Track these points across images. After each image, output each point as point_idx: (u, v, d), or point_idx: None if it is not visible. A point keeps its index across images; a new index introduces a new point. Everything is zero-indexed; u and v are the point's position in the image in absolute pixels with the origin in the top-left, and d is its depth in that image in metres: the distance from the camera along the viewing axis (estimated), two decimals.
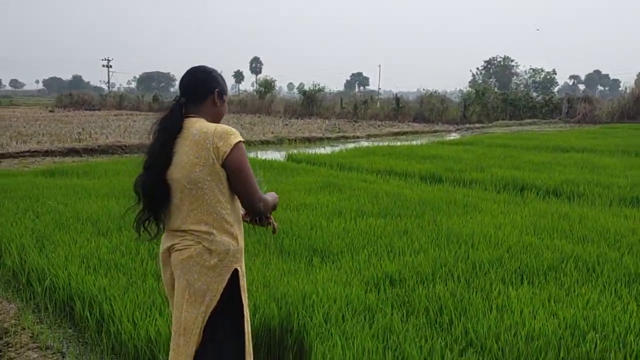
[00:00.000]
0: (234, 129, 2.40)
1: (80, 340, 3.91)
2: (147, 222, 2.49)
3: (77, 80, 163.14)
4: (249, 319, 2.55)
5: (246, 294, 2.54)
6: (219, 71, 2.60)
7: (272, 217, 2.82)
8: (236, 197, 2.47)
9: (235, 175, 2.36)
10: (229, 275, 2.43)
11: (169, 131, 2.38)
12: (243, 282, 2.50)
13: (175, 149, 2.38)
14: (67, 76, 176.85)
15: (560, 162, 11.87)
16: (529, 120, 35.72)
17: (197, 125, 2.38)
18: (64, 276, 4.44)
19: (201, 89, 2.46)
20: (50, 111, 44.97)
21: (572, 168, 11.02)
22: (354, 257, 5.04)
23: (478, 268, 4.65)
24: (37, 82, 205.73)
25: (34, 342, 3.79)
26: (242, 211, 2.61)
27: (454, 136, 24.72)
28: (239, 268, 2.46)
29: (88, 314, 3.93)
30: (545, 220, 6.45)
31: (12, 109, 51.09)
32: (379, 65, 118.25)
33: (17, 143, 17.09)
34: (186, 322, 2.42)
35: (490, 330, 3.47)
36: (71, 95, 59.52)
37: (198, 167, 2.32)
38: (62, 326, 4.12)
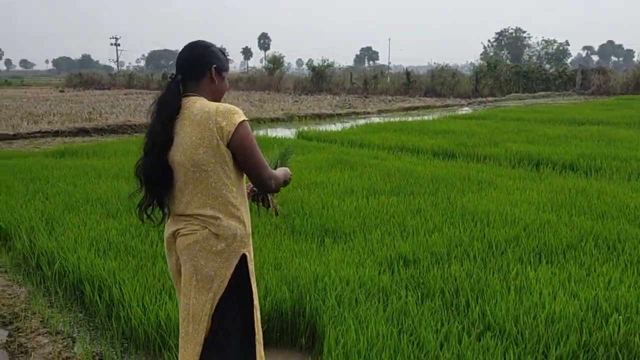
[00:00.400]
0: (236, 107, 2.27)
1: (91, 324, 3.86)
2: (151, 207, 2.39)
3: (86, 59, 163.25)
4: (258, 306, 2.46)
5: (255, 280, 2.45)
6: (219, 46, 2.47)
7: (275, 199, 2.74)
8: (242, 179, 2.37)
9: (242, 154, 2.25)
10: (237, 260, 2.33)
11: (167, 111, 2.26)
12: (251, 267, 2.41)
13: (175, 129, 2.26)
14: (76, 55, 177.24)
15: (575, 136, 11.63)
16: (543, 93, 35.16)
17: (197, 105, 2.26)
18: (73, 259, 4.39)
19: (198, 65, 2.33)
20: (60, 91, 44.95)
21: (588, 141, 10.79)
22: (366, 237, 4.94)
23: (494, 247, 4.53)
24: (46, 62, 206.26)
25: (44, 327, 3.75)
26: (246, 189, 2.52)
27: (466, 110, 24.40)
28: (247, 253, 2.36)
29: (97, 298, 3.87)
30: (562, 196, 6.30)
31: (24, 89, 51.23)
32: (389, 39, 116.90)
33: (28, 124, 17.05)
34: (194, 309, 2.34)
35: (508, 313, 3.37)
36: (81, 75, 59.35)
37: (201, 148, 2.21)
38: (72, 310, 4.08)
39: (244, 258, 2.36)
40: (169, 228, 2.41)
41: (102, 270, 4.10)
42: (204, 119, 2.21)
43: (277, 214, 2.78)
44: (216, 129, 2.19)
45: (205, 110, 2.22)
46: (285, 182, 2.54)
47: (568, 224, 5.18)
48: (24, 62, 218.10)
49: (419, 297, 3.69)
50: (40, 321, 3.83)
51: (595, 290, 3.67)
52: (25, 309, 4.01)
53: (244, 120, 2.24)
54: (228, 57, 2.50)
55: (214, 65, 2.34)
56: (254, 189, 2.61)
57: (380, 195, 6.40)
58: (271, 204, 2.73)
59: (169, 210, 2.40)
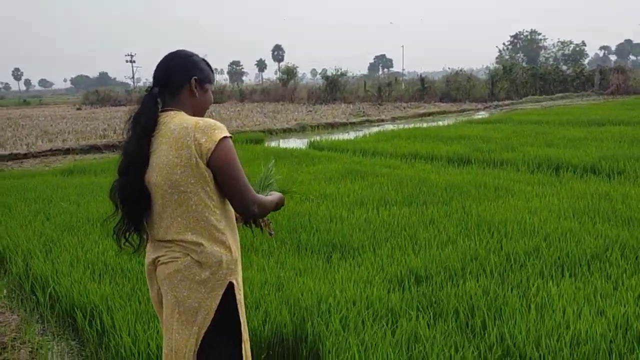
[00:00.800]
0: (218, 123, 2.03)
1: (82, 354, 3.64)
2: (128, 233, 2.15)
3: (103, 77, 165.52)
4: (248, 340, 2.21)
5: (244, 311, 2.19)
6: (202, 56, 2.24)
7: (269, 219, 2.49)
8: (226, 200, 2.12)
9: (222, 175, 2.01)
10: (223, 290, 2.08)
11: (142, 127, 2.03)
12: (240, 297, 2.15)
13: (152, 148, 2.03)
14: (94, 73, 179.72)
15: (596, 137, 11.22)
16: (560, 94, 34.56)
17: (175, 120, 2.03)
18: (66, 284, 4.19)
19: (177, 77, 2.10)
20: (77, 109, 45.43)
21: (610, 143, 10.39)
22: (375, 251, 4.66)
23: (513, 260, 4.22)
24: (65, 80, 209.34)
25: (32, 359, 3.53)
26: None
27: (482, 114, 23.99)
28: (234, 281, 2.10)
29: (88, 326, 3.65)
30: (584, 202, 5.95)
31: (42, 108, 51.94)
32: (402, 46, 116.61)
33: (42, 142, 17.10)
34: (177, 345, 2.09)
35: (529, 335, 3.07)
36: (97, 92, 59.92)
37: (179, 168, 1.97)
38: (64, 338, 3.86)
39: (230, 287, 2.10)
40: (149, 255, 2.17)
41: (95, 296, 3.89)
42: (181, 135, 1.97)
43: (270, 234, 2.53)
44: (194, 146, 1.96)
45: (184, 126, 1.99)
46: (277, 207, 2.31)
47: (592, 232, 4.85)
48: (43, 82, 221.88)
49: (431, 318, 3.40)
50: (30, 351, 3.62)
51: (625, 306, 3.34)
52: (15, 338, 3.80)
53: (225, 137, 2.00)
54: (212, 68, 2.27)
55: (194, 77, 2.11)
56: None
57: (392, 206, 6.12)
58: (263, 226, 2.48)
59: (148, 235, 2.16)
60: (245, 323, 2.19)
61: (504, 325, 3.21)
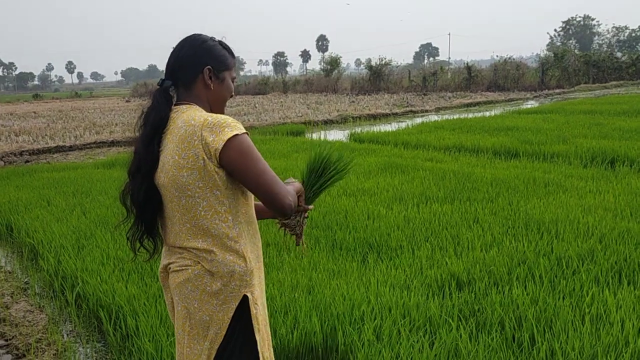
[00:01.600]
0: (230, 119, 1.80)
1: (106, 358, 3.52)
2: (142, 238, 1.98)
3: (152, 69, 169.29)
4: (269, 356, 1.99)
5: (263, 327, 1.97)
6: (220, 38, 1.99)
7: (304, 219, 2.23)
8: (243, 204, 1.90)
9: (240, 174, 1.78)
10: (237, 303, 1.87)
11: (151, 126, 1.85)
12: (256, 312, 1.93)
13: (162, 146, 1.84)
14: (143, 66, 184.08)
15: None
16: (615, 83, 33.06)
17: (184, 116, 1.82)
18: (94, 283, 4.09)
19: (188, 68, 1.88)
20: (126, 101, 46.35)
21: None
22: (414, 252, 4.39)
23: (565, 265, 3.87)
24: (115, 73, 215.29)
25: None
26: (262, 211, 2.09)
27: (532, 104, 23.11)
28: (249, 294, 1.88)
29: (112, 329, 3.53)
30: None
31: (92, 100, 53.36)
32: (449, 34, 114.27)
33: (90, 134, 17.42)
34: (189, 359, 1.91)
35: (583, 352, 2.76)
36: (146, 85, 61.14)
37: (185, 170, 1.77)
38: (91, 340, 3.76)
39: (245, 300, 1.89)
40: (162, 260, 1.99)
41: (121, 297, 3.76)
42: (188, 133, 1.77)
43: (297, 244, 2.27)
44: (202, 145, 1.74)
45: (191, 124, 1.78)
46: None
47: None
48: (94, 75, 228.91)
49: (473, 329, 3.12)
50: (54, 354, 3.52)
51: None
52: (40, 339, 3.72)
53: (236, 135, 1.76)
54: (231, 50, 2.00)
55: (208, 66, 1.88)
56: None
57: (433, 203, 5.81)
58: (301, 233, 2.23)
59: (162, 240, 1.99)
60: (267, 339, 1.97)
61: (555, 339, 2.91)
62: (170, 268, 1.92)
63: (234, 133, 1.76)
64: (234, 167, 1.77)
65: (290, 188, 1.98)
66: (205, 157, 1.75)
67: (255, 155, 1.79)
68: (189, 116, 1.82)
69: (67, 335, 3.83)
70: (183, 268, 1.87)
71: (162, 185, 1.85)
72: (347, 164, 2.42)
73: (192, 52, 1.89)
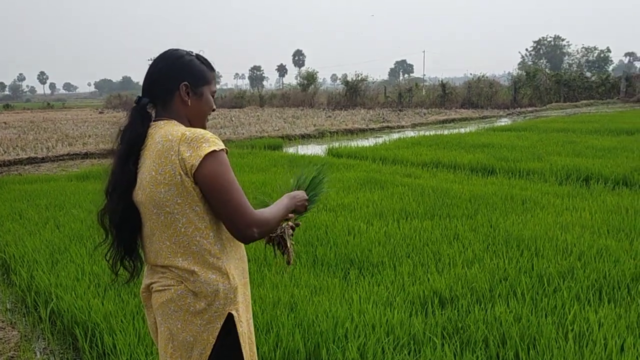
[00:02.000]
0: (209, 134, 1.75)
1: None
2: (123, 259, 1.92)
3: (126, 81, 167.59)
4: None
5: (249, 345, 1.92)
6: (197, 52, 1.94)
7: (291, 242, 2.15)
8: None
9: (210, 194, 1.73)
10: (222, 322, 1.82)
11: (127, 143, 1.81)
12: (242, 329, 1.87)
13: (139, 163, 1.80)
14: (117, 77, 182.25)
15: (626, 147, 10.76)
16: (585, 102, 33.80)
17: (162, 131, 1.78)
18: (69, 299, 3.97)
19: (164, 84, 1.84)
20: (100, 112, 45.71)
21: None
22: (396, 268, 4.38)
23: (546, 282, 3.90)
24: (89, 84, 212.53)
25: None
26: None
27: (505, 121, 23.49)
28: (234, 312, 1.83)
29: (88, 347, 3.42)
30: (619, 217, 5.59)
31: (65, 111, 52.40)
32: (424, 52, 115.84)
33: (62, 145, 17.08)
34: None
35: None
36: (120, 96, 60.38)
37: (162, 186, 1.73)
38: (65, 358, 3.64)
39: (230, 319, 1.84)
40: (144, 280, 1.93)
41: (97, 314, 3.66)
42: (165, 148, 1.73)
43: (288, 262, 2.17)
44: (179, 160, 1.70)
45: (168, 139, 1.74)
46: (287, 212, 1.97)
47: (629, 251, 4.51)
48: (67, 86, 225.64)
49: (458, 347, 3.11)
50: None
51: None
52: (12, 357, 3.59)
53: (214, 151, 1.71)
54: (209, 64, 1.95)
55: (184, 82, 1.84)
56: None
57: (413, 219, 5.82)
58: (288, 250, 2.14)
59: (142, 260, 1.93)
60: (252, 357, 1.92)
61: (539, 357, 2.92)
62: (152, 288, 1.87)
63: (212, 149, 1.72)
64: (205, 186, 1.73)
65: (272, 210, 1.90)
66: (182, 173, 1.71)
67: (227, 176, 1.74)
68: (166, 131, 1.78)
69: (41, 353, 3.71)
70: (166, 288, 1.82)
71: (140, 202, 1.80)
72: (322, 180, 2.30)
73: (167, 69, 1.86)
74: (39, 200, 7.58)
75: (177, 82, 1.83)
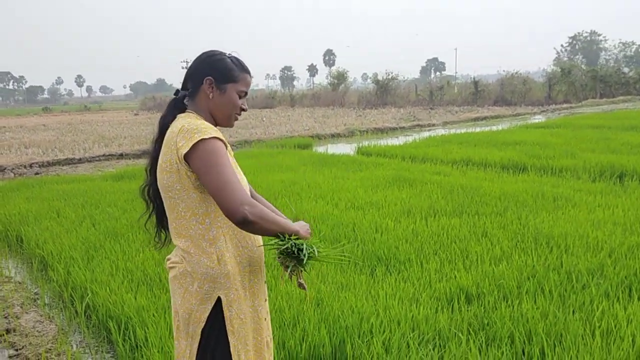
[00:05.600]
0: (205, 125, 1.86)
1: None
2: (158, 229, 2.15)
3: (160, 83, 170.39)
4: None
5: (240, 330, 1.93)
6: (232, 53, 2.03)
7: (302, 272, 1.95)
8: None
9: (201, 175, 1.82)
10: (212, 304, 1.91)
11: (158, 129, 2.02)
12: (230, 314, 1.91)
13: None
14: (152, 80, 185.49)
15: None
16: (622, 98, 33.03)
17: (176, 122, 1.94)
18: (104, 294, 4.11)
19: (192, 79, 2.00)
20: (135, 114, 46.68)
21: None
22: (423, 265, 4.39)
23: (574, 279, 3.86)
24: (124, 87, 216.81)
25: None
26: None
27: (539, 119, 23.10)
28: (222, 296, 1.89)
29: (121, 340, 3.54)
30: None
31: (101, 113, 53.69)
32: (455, 49, 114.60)
33: (98, 147, 17.54)
34: (178, 354, 1.99)
35: None
36: (154, 98, 61.54)
37: (165, 172, 1.90)
38: (100, 351, 3.77)
39: (219, 302, 1.91)
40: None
41: (130, 308, 3.78)
42: (169, 139, 1.91)
43: (300, 286, 1.98)
44: (175, 150, 1.86)
45: (173, 130, 1.90)
46: (283, 230, 1.86)
47: None
48: (103, 88, 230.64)
49: (483, 342, 3.11)
50: None
51: None
52: (50, 349, 3.74)
53: (204, 139, 1.80)
54: (242, 64, 2.03)
55: (208, 77, 1.96)
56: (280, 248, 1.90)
57: (441, 217, 5.81)
58: (289, 270, 1.92)
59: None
60: (246, 344, 1.94)
61: (565, 353, 2.90)
62: (166, 264, 2.03)
63: (202, 137, 1.81)
64: (196, 170, 1.83)
65: (277, 216, 1.87)
66: (178, 161, 1.86)
67: (218, 159, 1.80)
68: (178, 123, 1.93)
69: (77, 345, 3.85)
70: (174, 265, 1.97)
71: (158, 184, 1.99)
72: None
73: (197, 65, 2.01)
74: (75, 199, 7.81)
75: (203, 76, 1.97)
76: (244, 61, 2.05)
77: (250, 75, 2.05)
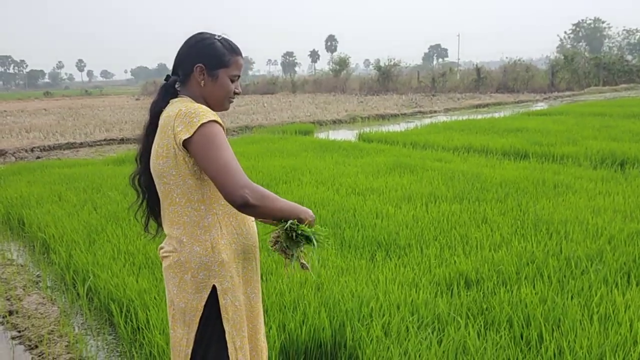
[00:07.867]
0: (203, 109, 1.82)
1: (117, 350, 3.56)
2: (147, 219, 2.14)
3: (162, 67, 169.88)
4: (242, 347, 1.99)
5: (237, 317, 1.95)
6: (221, 35, 1.98)
7: (303, 252, 1.94)
8: (219, 194, 1.87)
9: (200, 159, 1.78)
10: (208, 292, 1.91)
11: (150, 115, 1.99)
12: (225, 302, 1.93)
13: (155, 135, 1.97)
14: (153, 65, 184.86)
15: None
16: (625, 86, 32.89)
17: (170, 107, 1.92)
18: (105, 277, 4.14)
19: (182, 65, 1.97)
20: (136, 99, 46.55)
21: None
22: (423, 251, 4.41)
23: (573, 265, 3.87)
24: (125, 71, 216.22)
25: (68, 353, 3.48)
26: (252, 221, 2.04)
27: (541, 106, 23.03)
28: (217, 285, 1.90)
29: (123, 322, 3.57)
30: None
31: (102, 98, 53.61)
32: (458, 35, 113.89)
33: (100, 131, 17.52)
34: (174, 343, 2.00)
35: (591, 351, 2.77)
36: (155, 83, 61.25)
37: (161, 158, 1.87)
38: (102, 333, 3.81)
39: (214, 290, 1.93)
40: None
41: (132, 291, 3.80)
42: (165, 124, 1.87)
43: (303, 267, 1.96)
44: (173, 135, 1.82)
45: (169, 115, 1.87)
46: (283, 214, 1.84)
47: None
48: (104, 73, 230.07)
49: (482, 327, 3.14)
50: (66, 345, 3.57)
51: None
52: (52, 331, 3.77)
53: (206, 122, 1.78)
54: (234, 47, 1.98)
55: (198, 64, 1.92)
56: (275, 233, 1.90)
57: (442, 203, 5.82)
58: (293, 257, 1.90)
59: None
60: (242, 331, 1.97)
61: (563, 338, 2.92)
62: (160, 252, 2.01)
63: (203, 121, 1.79)
64: (195, 154, 1.80)
65: (280, 199, 1.83)
66: (175, 146, 1.82)
67: (218, 143, 1.78)
68: (173, 107, 1.90)
69: (79, 327, 3.88)
70: (167, 254, 1.95)
71: (152, 171, 1.96)
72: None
73: (187, 51, 1.97)
74: (77, 183, 7.83)
75: (193, 64, 1.93)
76: (233, 42, 1.99)
77: (241, 56, 2.01)
